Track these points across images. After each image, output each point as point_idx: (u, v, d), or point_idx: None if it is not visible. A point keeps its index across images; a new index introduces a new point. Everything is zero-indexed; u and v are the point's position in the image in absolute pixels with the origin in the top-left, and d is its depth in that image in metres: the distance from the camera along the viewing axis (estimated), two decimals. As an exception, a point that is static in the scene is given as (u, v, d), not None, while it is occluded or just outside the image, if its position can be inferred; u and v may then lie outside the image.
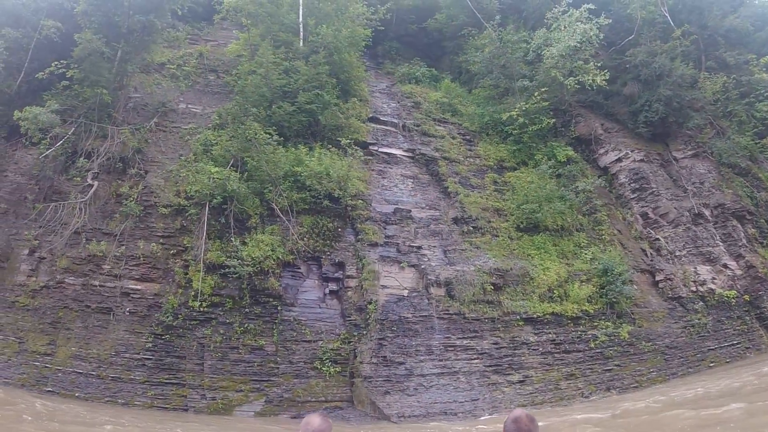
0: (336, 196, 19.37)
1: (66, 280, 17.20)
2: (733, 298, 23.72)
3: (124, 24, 20.46)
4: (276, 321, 17.04)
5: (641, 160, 25.28)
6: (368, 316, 17.78)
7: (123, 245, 17.64)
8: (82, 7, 20.02)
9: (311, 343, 17.02)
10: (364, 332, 17.55)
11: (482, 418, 16.09)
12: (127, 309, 16.63)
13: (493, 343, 18.46)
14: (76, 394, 15.23)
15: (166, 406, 15.21)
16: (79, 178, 18.88)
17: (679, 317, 22.30)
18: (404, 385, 16.54)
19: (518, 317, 19.12)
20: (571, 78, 24.78)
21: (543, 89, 24.76)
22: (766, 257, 25.27)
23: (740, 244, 24.77)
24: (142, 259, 17.40)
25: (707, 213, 24.87)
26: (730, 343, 22.84)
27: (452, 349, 17.92)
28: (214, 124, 21.38)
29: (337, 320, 18.12)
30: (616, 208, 24.99)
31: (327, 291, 18.61)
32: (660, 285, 22.83)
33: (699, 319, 22.51)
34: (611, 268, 20.69)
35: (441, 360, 17.48)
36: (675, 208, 24.29)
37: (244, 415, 15.16)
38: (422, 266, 19.56)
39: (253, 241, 17.50)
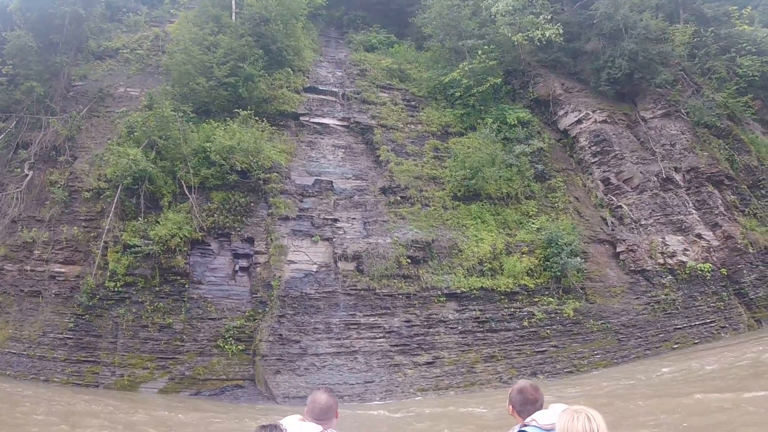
0: (246, 169, 18.16)
1: (5, 267, 17.53)
2: (708, 271, 21.04)
3: (56, 16, 20.82)
4: (184, 299, 16.46)
5: (603, 121, 22.71)
6: (272, 293, 16.60)
7: (51, 230, 17.79)
8: (15, 4, 20.89)
9: (216, 321, 16.32)
10: (268, 309, 16.47)
11: (372, 403, 14.36)
12: (53, 291, 16.88)
13: (405, 321, 16.44)
14: (8, 373, 15.53)
15: (80, 382, 15.22)
16: (19, 169, 19.41)
17: (642, 292, 19.76)
18: (296, 365, 15.38)
19: (439, 293, 16.99)
20: (519, 34, 22.37)
21: (490, 48, 22.41)
22: (747, 227, 22.48)
23: (717, 212, 22.03)
24: (65, 243, 17.54)
25: (678, 178, 22.19)
26: (703, 321, 20.20)
27: (355, 327, 16.24)
28: (143, 106, 20.25)
29: (245, 297, 17.10)
30: (576, 173, 22.49)
31: (237, 268, 17.60)
32: (621, 257, 20.30)
33: (666, 295, 19.93)
34: (556, 239, 18.29)
35: (339, 339, 15.93)
36: (641, 172, 21.68)
37: (149, 392, 14.97)
38: (335, 240, 17.63)
39: (164, 220, 17.13)
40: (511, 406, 3.73)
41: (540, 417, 3.47)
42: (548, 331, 17.16)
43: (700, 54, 26.72)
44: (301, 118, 21.73)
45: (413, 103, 23.47)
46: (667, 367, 15.93)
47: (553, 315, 17.53)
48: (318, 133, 21.68)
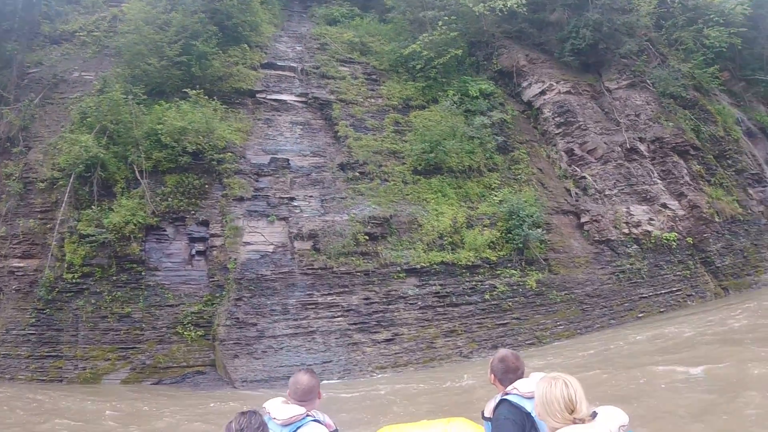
0: (199, 151, 17.57)
1: (-33, 264, 17.05)
2: (673, 240, 20.91)
3: (8, 2, 20.55)
4: (141, 287, 16.11)
5: (567, 92, 22.35)
6: (229, 276, 16.16)
7: (8, 224, 17.43)
8: None
9: (174, 308, 16.01)
10: (225, 293, 16.04)
11: (330, 381, 13.96)
12: (14, 287, 16.55)
13: (364, 299, 16.07)
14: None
15: (44, 378, 15.00)
16: (-24, 162, 18.80)
17: (606, 262, 19.58)
18: (253, 348, 15.01)
19: (399, 269, 16.61)
20: (481, 4, 21.88)
21: (451, 19, 21.92)
22: (713, 196, 22.37)
23: (682, 182, 21.86)
24: (22, 236, 17.21)
25: (643, 148, 21.96)
26: (669, 290, 20.10)
27: (312, 306, 15.82)
28: (96, 90, 19.52)
29: (203, 282, 16.68)
30: (540, 145, 22.17)
31: (194, 252, 17.12)
32: (585, 227, 20.07)
33: (631, 264, 19.78)
34: (518, 211, 17.99)
35: (297, 319, 15.51)
36: (605, 143, 21.41)
37: (111, 383, 14.74)
38: (291, 219, 17.20)
39: (118, 207, 16.67)
40: (492, 375, 3.74)
41: (521, 385, 3.48)
42: (510, 303, 16.90)
43: (667, 25, 26.47)
44: (257, 96, 21.00)
45: (374, 76, 22.89)
46: (640, 335, 15.82)
47: (515, 287, 17.27)
48: (275, 110, 21.07)
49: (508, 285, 17.17)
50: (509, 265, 17.76)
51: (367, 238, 16.94)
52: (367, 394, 12.72)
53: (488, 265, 17.45)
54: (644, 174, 21.45)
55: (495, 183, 19.87)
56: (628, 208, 20.61)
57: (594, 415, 2.76)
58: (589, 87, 23.13)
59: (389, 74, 23.13)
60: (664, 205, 21.23)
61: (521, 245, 17.77)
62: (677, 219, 21.31)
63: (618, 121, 22.07)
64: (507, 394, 3.52)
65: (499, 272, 17.49)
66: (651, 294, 19.62)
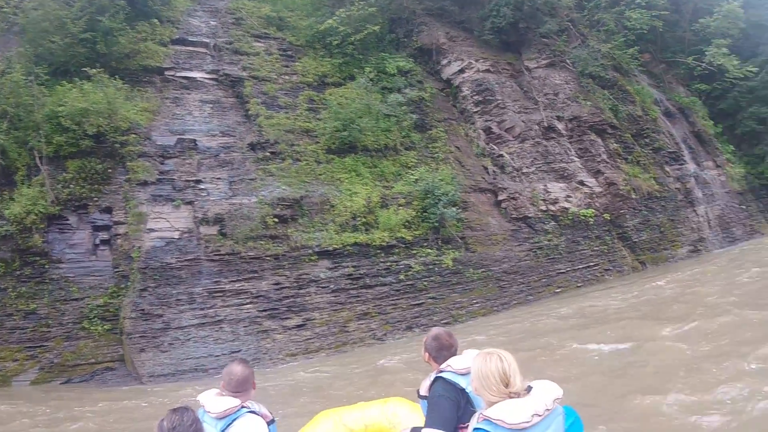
0: (101, 133, 16.35)
1: None
2: (591, 217, 21.11)
3: None
4: (46, 281, 14.98)
5: (486, 71, 22.14)
6: (133, 266, 15.14)
7: None
8: None
9: (80, 302, 14.95)
10: (130, 284, 15.06)
11: None
12: None
13: (274, 284, 15.33)
14: None
15: None
16: None
17: (524, 239, 19.53)
18: (159, 341, 14.07)
19: (310, 251, 15.96)
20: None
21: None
22: (630, 173, 22.69)
23: (599, 159, 22.06)
24: None
25: (560, 127, 22.01)
26: (586, 265, 20.28)
27: (220, 294, 14.94)
28: None
29: (108, 273, 15.52)
30: (458, 123, 21.89)
31: (98, 241, 15.94)
32: (503, 205, 19.95)
33: (549, 241, 19.80)
34: (433, 189, 17.65)
35: (203, 309, 14.60)
36: (523, 121, 21.33)
37: (21, 384, 13.78)
38: (197, 203, 16.30)
39: (18, 196, 15.37)
40: (426, 354, 3.75)
41: (455, 362, 3.51)
42: (426, 283, 16.55)
43: (589, 6, 26.69)
44: (166, 73, 19.71)
45: (290, 53, 21.97)
46: (564, 308, 15.77)
47: (431, 266, 16.93)
48: (184, 89, 19.87)
49: (424, 264, 16.82)
50: (425, 244, 17.41)
51: (276, 220, 16.19)
52: (284, 382, 12.12)
53: (403, 245, 17.03)
54: (562, 152, 21.51)
55: (412, 161, 19.47)
56: (546, 185, 20.62)
57: (529, 389, 2.78)
58: (508, 66, 23.01)
59: (306, 50, 22.27)
60: (582, 183, 21.37)
61: (437, 224, 17.44)
62: (594, 196, 21.49)
63: (536, 100, 22.05)
64: (441, 371, 3.53)
65: (415, 252, 17.11)
66: (569, 269, 19.73)
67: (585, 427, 3.01)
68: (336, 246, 16.19)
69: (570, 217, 20.57)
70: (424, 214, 17.61)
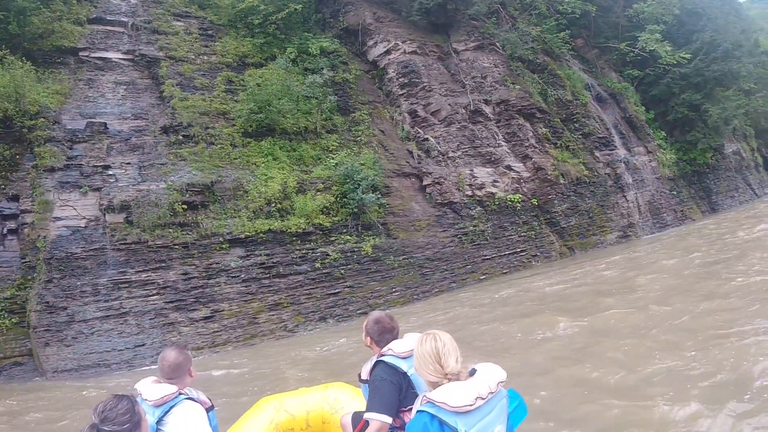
0: (7, 117, 15.32)
1: None
2: (518, 202, 20.85)
3: None
4: None
5: (413, 52, 21.55)
6: (39, 256, 14.20)
7: None
8: None
9: None
10: (36, 275, 14.15)
11: (141, 368, 12.52)
12: None
13: (182, 274, 14.46)
14: None
15: None
16: None
17: (449, 225, 19.10)
18: (64, 334, 13.21)
19: (221, 239, 15.13)
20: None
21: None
22: (558, 158, 22.52)
23: (527, 144, 21.81)
24: None
25: (488, 110, 21.65)
26: (513, 251, 20.01)
27: (126, 285, 14.02)
28: None
29: (15, 264, 14.51)
30: (384, 106, 21.28)
31: (5, 231, 14.97)
32: (428, 190, 19.45)
33: (475, 226, 19.44)
34: (353, 174, 17.00)
35: (108, 301, 13.69)
36: (449, 104, 20.85)
37: None
38: (104, 189, 15.29)
39: None
40: (368, 338, 3.73)
41: (396, 346, 3.51)
42: (343, 271, 15.92)
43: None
44: (80, 54, 18.54)
45: (211, 32, 20.90)
46: (504, 291, 15.45)
47: (349, 254, 16.30)
48: (99, 70, 18.66)
49: (342, 252, 16.18)
50: (344, 230, 16.78)
51: (185, 207, 15.32)
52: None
53: (321, 232, 16.35)
54: (489, 136, 21.16)
55: (333, 145, 18.77)
56: (472, 170, 20.23)
57: (473, 372, 2.78)
58: (436, 48, 22.48)
59: (227, 30, 21.28)
60: (509, 167, 21.08)
61: (356, 210, 16.81)
62: (522, 181, 21.25)
63: (464, 83, 21.61)
64: (383, 355, 3.51)
65: (333, 239, 16.46)
66: (495, 255, 19.43)
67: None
68: (249, 233, 15.41)
69: (497, 203, 20.26)
70: (344, 199, 16.97)
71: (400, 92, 20.85)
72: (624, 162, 25.87)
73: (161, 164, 16.40)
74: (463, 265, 18.41)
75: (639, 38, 27.99)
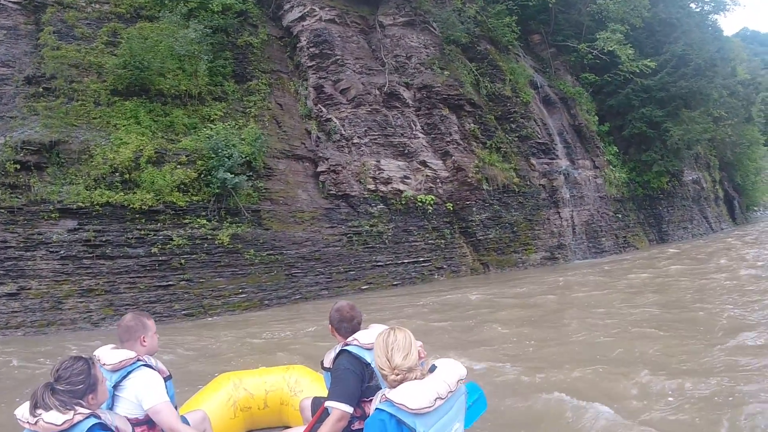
0: None
1: None
2: (430, 204, 18.56)
3: None
4: None
5: (331, 21, 19.07)
6: None
7: None
8: None
9: None
10: None
11: None
12: None
13: (1, 241, 12.05)
14: None
15: None
16: None
17: (340, 221, 16.78)
18: None
19: (51, 207, 12.71)
20: None
21: None
22: (485, 160, 20.24)
23: (449, 139, 19.53)
24: None
25: (407, 95, 19.30)
26: (415, 260, 17.77)
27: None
28: None
29: None
30: (290, 78, 18.78)
31: None
32: (321, 177, 17.06)
33: (372, 226, 17.12)
34: (220, 149, 14.54)
35: None
36: (362, 83, 18.43)
37: None
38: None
39: None
40: (330, 326, 3.70)
41: (361, 336, 3.48)
42: (184, 260, 13.54)
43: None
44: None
45: (110, -20, 18.37)
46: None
47: (199, 241, 13.92)
48: (-13, 14, 16.27)
49: (190, 238, 13.80)
50: (204, 214, 14.34)
51: (18, 167, 12.93)
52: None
53: (173, 212, 13.97)
54: (404, 125, 18.83)
55: (217, 114, 16.34)
56: (379, 161, 17.91)
57: (432, 369, 2.75)
58: (359, 19, 20.04)
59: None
60: (424, 164, 18.81)
61: (219, 191, 14.37)
62: (438, 181, 19.00)
63: (384, 61, 19.14)
64: (347, 344, 3.48)
65: (186, 221, 14.08)
66: (390, 262, 17.19)
67: None
68: (82, 204, 13.02)
69: (404, 202, 17.99)
70: (208, 177, 14.51)
71: (309, 64, 18.39)
72: (564, 174, 23.65)
73: (11, 117, 14.03)
74: (345, 270, 16.11)
75: (598, 37, 25.69)
